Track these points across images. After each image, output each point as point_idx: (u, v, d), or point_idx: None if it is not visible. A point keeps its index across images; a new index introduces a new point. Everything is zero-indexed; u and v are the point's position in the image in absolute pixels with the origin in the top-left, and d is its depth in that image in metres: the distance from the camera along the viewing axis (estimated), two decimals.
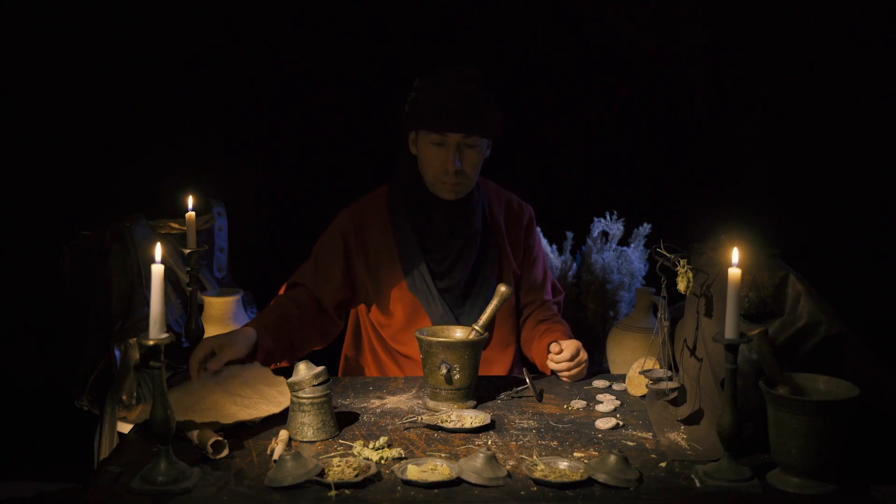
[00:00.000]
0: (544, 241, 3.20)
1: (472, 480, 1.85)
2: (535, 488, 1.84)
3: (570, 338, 2.62)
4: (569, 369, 2.53)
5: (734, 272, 1.86)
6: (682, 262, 2.20)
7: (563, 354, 2.52)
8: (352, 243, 2.71)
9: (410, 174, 2.70)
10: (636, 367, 2.42)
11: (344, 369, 2.89)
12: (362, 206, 2.77)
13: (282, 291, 2.76)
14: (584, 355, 2.55)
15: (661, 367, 2.33)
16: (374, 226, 2.72)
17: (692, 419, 2.17)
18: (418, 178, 2.69)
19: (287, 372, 2.22)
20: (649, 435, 2.14)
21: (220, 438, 2.00)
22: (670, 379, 2.27)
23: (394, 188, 2.76)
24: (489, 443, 2.09)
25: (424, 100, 2.59)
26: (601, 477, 1.85)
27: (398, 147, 2.76)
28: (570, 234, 3.35)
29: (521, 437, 2.13)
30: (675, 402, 2.27)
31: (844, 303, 2.17)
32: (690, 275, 2.19)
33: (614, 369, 2.71)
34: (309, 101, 3.70)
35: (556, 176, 3.67)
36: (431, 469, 1.90)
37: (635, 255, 3.26)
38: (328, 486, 1.82)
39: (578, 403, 2.34)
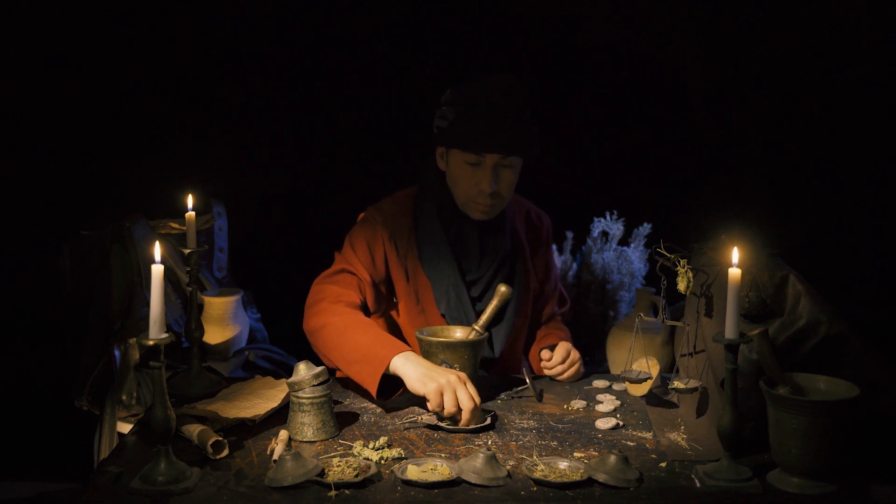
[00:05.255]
0: None
1: (472, 480, 1.85)
2: (535, 488, 1.84)
3: (568, 341, 2.61)
4: (563, 371, 2.53)
5: (734, 272, 1.86)
6: (682, 262, 2.20)
7: (553, 359, 2.52)
8: (387, 245, 2.49)
9: (441, 190, 2.52)
10: (635, 367, 2.42)
11: None
12: (390, 210, 2.54)
13: (325, 284, 2.43)
14: (575, 355, 2.54)
15: (647, 366, 2.32)
16: (402, 238, 2.51)
17: (692, 419, 2.17)
18: (448, 194, 2.51)
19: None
20: (649, 435, 2.14)
21: (220, 438, 1.99)
22: (657, 377, 2.28)
23: (421, 199, 2.56)
24: (489, 443, 2.09)
25: (459, 116, 2.39)
26: (601, 477, 1.85)
27: (426, 157, 2.58)
28: (570, 234, 3.35)
29: (521, 437, 2.13)
30: (677, 402, 2.27)
31: (844, 303, 2.17)
32: (690, 275, 2.19)
33: (614, 369, 2.71)
34: (310, 101, 3.70)
35: (557, 176, 3.67)
36: (431, 469, 1.89)
37: (635, 255, 3.26)
38: (328, 486, 1.82)
39: (578, 403, 2.34)
